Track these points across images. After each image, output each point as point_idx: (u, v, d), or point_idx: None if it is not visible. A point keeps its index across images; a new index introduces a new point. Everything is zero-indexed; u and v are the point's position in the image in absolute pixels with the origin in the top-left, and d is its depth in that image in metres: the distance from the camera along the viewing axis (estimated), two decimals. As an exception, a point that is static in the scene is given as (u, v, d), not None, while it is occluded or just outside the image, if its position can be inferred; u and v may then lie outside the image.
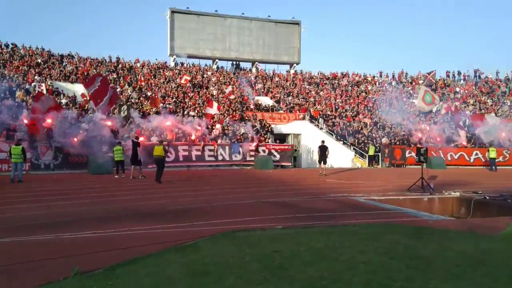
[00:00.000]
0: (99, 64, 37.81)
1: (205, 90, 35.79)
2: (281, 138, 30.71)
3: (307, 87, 42.08)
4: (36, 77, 31.72)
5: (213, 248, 5.60)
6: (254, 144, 23.76)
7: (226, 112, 29.97)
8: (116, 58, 39.61)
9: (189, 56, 44.37)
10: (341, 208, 9.82)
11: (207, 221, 7.84)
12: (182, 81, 34.95)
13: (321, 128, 31.88)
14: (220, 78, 40.34)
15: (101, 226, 7.21)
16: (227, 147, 23.19)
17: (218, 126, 24.53)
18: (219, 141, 23.54)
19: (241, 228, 7.02)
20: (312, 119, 32.99)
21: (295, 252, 5.36)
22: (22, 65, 32.97)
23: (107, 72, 35.47)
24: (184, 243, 5.93)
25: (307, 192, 12.84)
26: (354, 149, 29.89)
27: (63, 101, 27.41)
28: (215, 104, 26.19)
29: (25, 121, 19.12)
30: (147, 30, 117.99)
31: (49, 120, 19.73)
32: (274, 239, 6.15)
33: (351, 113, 36.10)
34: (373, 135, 31.25)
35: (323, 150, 19.49)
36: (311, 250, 5.49)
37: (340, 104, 38.34)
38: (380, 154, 28.27)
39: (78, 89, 30.55)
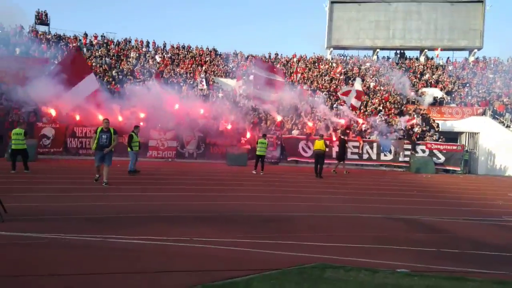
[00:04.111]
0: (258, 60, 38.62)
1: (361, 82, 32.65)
2: (451, 137, 25.27)
3: (491, 76, 34.14)
4: (201, 74, 34.24)
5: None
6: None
7: (382, 105, 26.41)
8: (275, 54, 39.97)
9: (348, 48, 41.78)
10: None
11: (299, 241, 5.60)
12: (337, 72, 32.79)
13: (507, 126, 25.00)
14: (380, 69, 36.38)
15: (165, 230, 5.81)
16: (375, 144, 19.85)
17: (360, 120, 21.31)
18: (367, 137, 20.45)
19: (339, 261, 4.60)
20: (496, 114, 26.22)
21: None
22: (192, 64, 36.05)
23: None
24: (239, 277, 3.95)
25: (472, 211, 9.07)
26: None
27: (220, 95, 28.60)
28: (353, 92, 22.96)
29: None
30: (306, 25, 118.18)
31: (201, 111, 20.37)
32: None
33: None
34: None
35: None
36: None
37: (539, 96, 29.61)
38: None
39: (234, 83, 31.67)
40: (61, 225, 5.97)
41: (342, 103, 26.31)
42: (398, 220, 7.48)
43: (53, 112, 18.02)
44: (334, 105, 25.51)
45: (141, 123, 18.57)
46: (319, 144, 15.42)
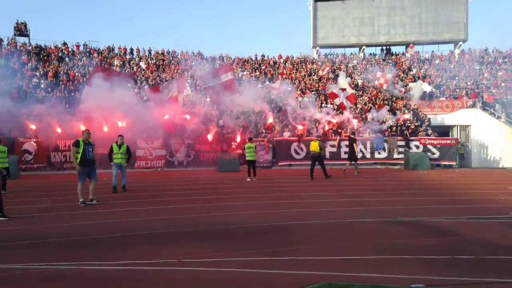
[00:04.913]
0: (245, 63, 38.24)
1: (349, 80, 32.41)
2: (443, 131, 25.12)
3: (478, 68, 34.22)
4: (187, 79, 33.58)
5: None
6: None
7: (372, 102, 26.17)
8: (261, 55, 39.63)
9: (334, 46, 41.68)
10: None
11: (297, 256, 5.09)
12: (324, 73, 32.43)
13: (498, 117, 24.92)
14: (367, 66, 36.24)
15: (151, 251, 5.26)
16: (368, 143, 19.51)
17: (354, 121, 20.92)
18: (361, 136, 20.10)
19: (345, 277, 4.12)
20: (486, 106, 26.14)
21: None
22: (178, 69, 35.42)
23: (251, 70, 35.69)
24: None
25: (476, 208, 8.70)
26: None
27: (207, 99, 28.04)
28: (341, 94, 22.45)
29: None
30: (291, 25, 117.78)
31: (187, 116, 19.87)
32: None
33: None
34: None
35: None
36: None
37: (527, 86, 29.66)
38: None
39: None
40: (34, 251, 5.38)
41: (332, 102, 26.02)
42: (402, 224, 7.03)
43: (33, 127, 17.33)
44: (323, 105, 25.20)
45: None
46: (313, 146, 15.06)
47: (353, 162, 17.18)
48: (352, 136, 17.74)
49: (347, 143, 19.35)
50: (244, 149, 15.30)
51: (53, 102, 19.57)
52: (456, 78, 32.19)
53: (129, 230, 6.61)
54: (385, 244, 5.68)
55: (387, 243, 5.73)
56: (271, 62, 37.79)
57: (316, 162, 14.90)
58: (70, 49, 35.14)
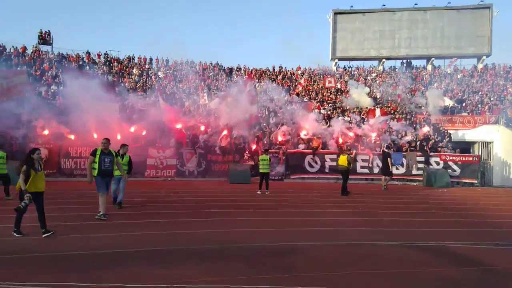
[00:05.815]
0: (263, 74, 38.07)
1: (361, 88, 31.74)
2: (464, 147, 24.12)
3: (502, 83, 33.10)
4: (204, 89, 33.50)
5: None
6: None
7: (391, 116, 25.43)
8: (279, 67, 39.46)
9: (353, 59, 41.20)
10: None
11: (302, 285, 4.59)
12: (327, 85, 31.87)
13: (523, 135, 23.76)
14: (387, 79, 35.55)
15: (142, 272, 4.83)
16: (386, 157, 18.79)
17: (373, 134, 20.11)
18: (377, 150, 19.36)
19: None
20: (510, 122, 25.04)
21: None
22: (195, 79, 35.44)
23: (267, 81, 35.43)
24: None
25: (506, 233, 7.98)
26: None
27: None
28: (377, 111, 22.01)
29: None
30: (311, 36, 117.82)
31: (202, 128, 19.61)
32: None
33: None
34: None
35: None
36: None
37: (555, 102, 28.41)
38: None
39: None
40: (14, 268, 4.99)
41: (349, 115, 25.35)
42: (422, 249, 6.42)
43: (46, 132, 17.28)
44: (340, 117, 24.59)
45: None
46: (342, 160, 14.37)
47: (386, 177, 16.58)
48: (386, 150, 17.16)
49: (365, 156, 18.73)
50: (259, 160, 14.86)
51: (68, 108, 19.65)
52: (479, 93, 31.14)
53: (124, 246, 6.21)
54: (402, 273, 5.10)
55: (405, 272, 5.15)
56: (289, 73, 37.53)
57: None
58: (91, 58, 35.67)
